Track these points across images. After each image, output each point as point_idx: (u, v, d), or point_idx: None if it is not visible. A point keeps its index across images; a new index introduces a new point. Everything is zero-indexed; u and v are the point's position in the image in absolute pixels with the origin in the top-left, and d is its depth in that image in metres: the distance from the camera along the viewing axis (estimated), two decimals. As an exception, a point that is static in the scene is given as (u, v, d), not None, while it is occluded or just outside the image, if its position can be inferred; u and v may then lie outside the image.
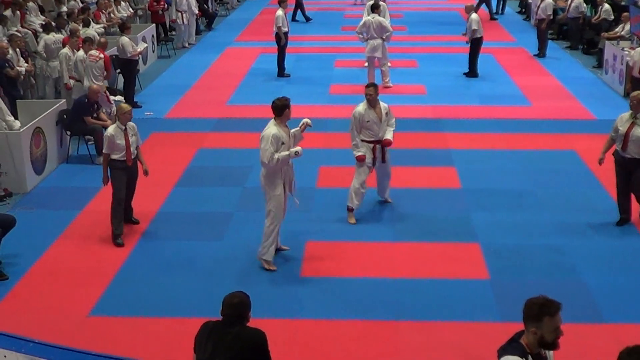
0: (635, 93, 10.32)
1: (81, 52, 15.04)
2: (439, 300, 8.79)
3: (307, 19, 27.74)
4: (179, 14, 23.19)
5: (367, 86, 10.82)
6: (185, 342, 6.61)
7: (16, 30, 16.96)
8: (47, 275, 9.49)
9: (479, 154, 13.65)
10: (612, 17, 21.78)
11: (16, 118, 12.84)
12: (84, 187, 12.30)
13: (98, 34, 18.03)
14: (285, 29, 18.91)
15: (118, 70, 17.10)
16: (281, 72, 19.46)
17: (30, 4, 19.02)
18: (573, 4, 22.51)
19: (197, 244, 10.26)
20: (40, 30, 17.23)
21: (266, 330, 5.70)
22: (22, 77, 15.05)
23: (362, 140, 10.74)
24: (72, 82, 15.26)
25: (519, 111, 16.37)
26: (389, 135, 10.79)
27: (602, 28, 21.34)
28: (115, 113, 11.27)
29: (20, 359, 7.08)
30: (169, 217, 11.13)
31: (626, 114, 10.40)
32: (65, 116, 13.57)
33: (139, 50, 17.24)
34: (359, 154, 10.70)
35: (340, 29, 26.20)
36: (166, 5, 23.54)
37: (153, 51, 21.85)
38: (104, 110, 14.21)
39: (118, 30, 18.48)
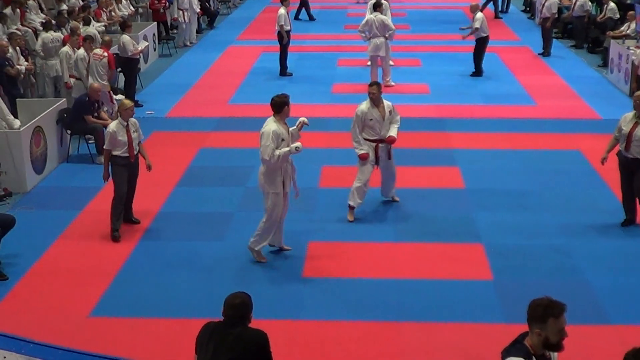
0: (638, 93, 10.30)
1: (81, 51, 15.06)
2: (442, 301, 8.78)
3: (311, 18, 27.74)
4: (181, 12, 23.20)
5: (371, 85, 10.83)
6: (187, 343, 6.62)
7: (16, 29, 16.96)
8: (47, 275, 9.49)
9: (483, 154, 13.64)
10: (618, 16, 21.76)
11: (16, 117, 12.85)
12: (85, 186, 12.31)
13: (99, 32, 18.05)
14: (288, 28, 18.92)
15: (119, 69, 17.10)
16: (283, 71, 19.46)
17: (31, 2, 19.02)
18: (578, 3, 22.51)
19: (198, 244, 10.27)
20: (41, 28, 17.24)
21: (268, 331, 5.70)
22: (22, 75, 15.04)
23: (365, 139, 10.74)
24: (72, 80, 15.26)
25: (523, 110, 16.36)
26: (393, 132, 10.79)
27: (607, 27, 21.32)
28: (116, 111, 11.28)
29: (20, 360, 7.09)
30: (170, 217, 11.13)
31: (630, 114, 10.39)
32: (65, 115, 13.58)
33: (140, 48, 17.25)
34: (362, 152, 10.71)
35: (343, 27, 26.20)
36: (167, 4, 23.55)
37: (154, 50, 21.85)
38: (105, 110, 14.22)
39: (119, 28, 18.50)
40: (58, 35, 16.43)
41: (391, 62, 18.60)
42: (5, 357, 7.28)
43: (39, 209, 11.50)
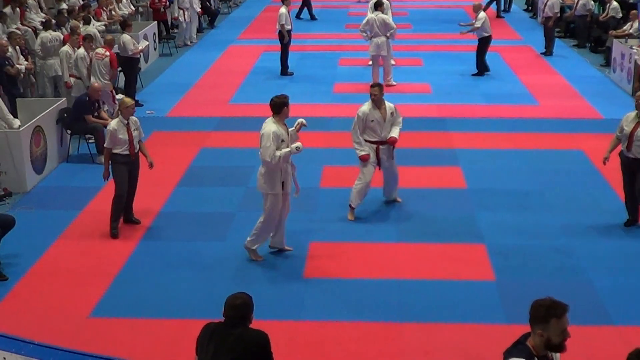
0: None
1: (81, 50, 15.07)
2: (444, 302, 8.78)
3: (313, 17, 27.74)
4: (181, 11, 23.21)
5: (372, 86, 10.83)
6: (187, 344, 6.62)
7: (16, 28, 16.96)
8: (47, 275, 9.50)
9: (485, 154, 13.64)
10: (620, 15, 21.76)
11: (16, 117, 12.86)
12: (85, 186, 12.32)
13: (99, 32, 18.06)
14: (289, 27, 18.92)
15: (119, 69, 17.10)
16: (284, 71, 19.46)
17: (31, 1, 19.01)
18: (580, 2, 22.51)
19: (199, 244, 10.27)
20: (41, 27, 17.25)
21: (269, 332, 5.71)
22: (22, 75, 15.06)
23: (366, 141, 10.75)
24: (72, 80, 15.26)
25: (525, 110, 16.36)
26: (394, 133, 10.80)
27: (610, 26, 21.31)
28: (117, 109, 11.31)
29: (20, 361, 7.10)
30: (170, 217, 11.14)
31: (632, 114, 10.38)
32: (65, 115, 13.58)
33: (140, 48, 17.25)
34: (363, 153, 10.71)
35: (344, 26, 26.20)
36: (168, 3, 23.55)
37: (154, 49, 21.86)
38: (106, 109, 14.23)
39: (119, 27, 18.50)
40: (57, 34, 16.43)
41: (393, 62, 18.60)
42: (5, 358, 7.28)
43: (38, 209, 11.51)
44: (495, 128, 15.12)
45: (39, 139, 12.66)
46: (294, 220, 10.31)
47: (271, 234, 9.87)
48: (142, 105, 16.56)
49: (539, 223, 10.79)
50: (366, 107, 10.74)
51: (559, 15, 21.83)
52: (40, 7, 19.70)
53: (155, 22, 22.60)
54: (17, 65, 14.73)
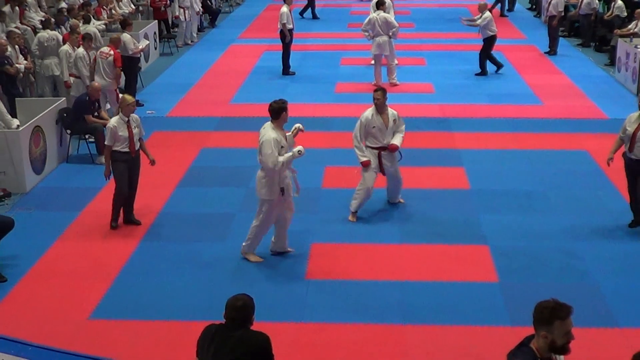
0: None
1: (81, 49, 15.07)
2: (447, 304, 8.78)
3: (315, 17, 27.76)
4: (182, 10, 23.21)
5: (376, 90, 10.82)
6: (188, 346, 6.62)
7: (15, 27, 16.97)
8: (46, 277, 9.50)
9: (488, 154, 13.64)
10: (625, 14, 21.74)
11: (15, 116, 12.86)
12: (84, 187, 12.33)
13: (99, 31, 18.07)
14: (290, 26, 18.92)
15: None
16: (286, 70, 19.47)
17: (30, 0, 19.04)
18: (585, 0, 22.52)
19: (200, 245, 10.27)
20: (40, 26, 17.26)
21: (270, 334, 5.70)
22: (21, 74, 15.07)
23: (368, 147, 10.76)
24: (72, 79, 15.27)
25: (529, 110, 16.35)
26: (396, 140, 10.80)
27: (614, 25, 21.30)
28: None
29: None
30: (171, 218, 11.14)
31: (635, 114, 10.36)
32: (65, 115, 13.59)
33: (140, 47, 17.26)
34: (364, 159, 10.72)
35: (346, 26, 26.20)
36: (168, 2, 23.55)
37: (155, 48, 21.87)
38: (108, 107, 14.23)
39: (119, 27, 18.50)
40: (54, 33, 16.41)
41: (395, 61, 18.59)
42: (4, 360, 7.29)
43: (38, 210, 11.51)
44: (499, 128, 15.11)
45: (39, 139, 12.67)
46: (296, 221, 10.29)
47: (272, 239, 9.88)
48: (143, 105, 16.56)
49: (542, 224, 10.79)
50: (369, 112, 10.74)
51: (563, 14, 21.81)
52: (40, 6, 19.72)
53: (156, 21, 22.61)
54: (17, 65, 14.75)
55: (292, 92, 17.45)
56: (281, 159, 9.16)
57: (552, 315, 4.78)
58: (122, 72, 15.72)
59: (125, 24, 17.37)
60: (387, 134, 10.76)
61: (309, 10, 27.83)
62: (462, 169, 12.89)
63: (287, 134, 9.47)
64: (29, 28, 17.68)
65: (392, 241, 10.36)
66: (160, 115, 16.24)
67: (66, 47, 15.40)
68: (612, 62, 19.97)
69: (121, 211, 10.89)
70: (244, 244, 9.79)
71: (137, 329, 8.34)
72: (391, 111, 10.84)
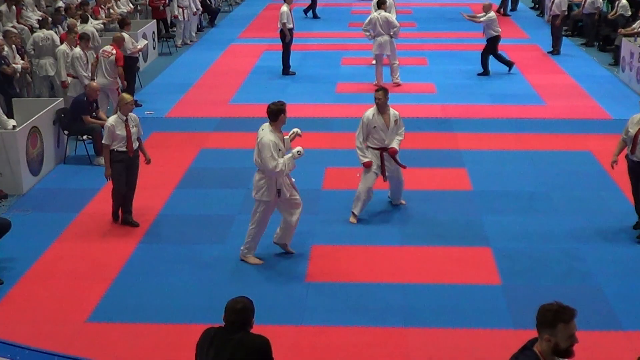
0: None
1: (78, 49, 15.06)
2: (449, 306, 8.77)
3: (315, 16, 27.78)
4: (180, 10, 23.21)
5: (377, 90, 10.82)
6: (187, 349, 6.61)
7: (12, 26, 16.97)
8: (43, 279, 9.49)
9: (491, 155, 13.63)
10: (630, 13, 21.75)
11: (12, 117, 12.86)
12: (82, 188, 12.32)
13: (97, 30, 18.07)
14: (290, 26, 18.92)
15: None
16: (286, 70, 19.47)
17: (27, -1, 19.05)
18: (589, 0, 22.50)
19: (199, 247, 10.27)
20: (37, 26, 17.26)
21: (270, 337, 5.69)
22: (18, 74, 15.07)
23: (369, 147, 10.76)
24: (69, 79, 15.28)
25: (532, 110, 16.35)
26: (395, 144, 10.80)
27: (618, 24, 21.30)
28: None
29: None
30: (170, 220, 11.14)
31: (637, 116, 10.31)
32: (62, 115, 13.58)
33: (139, 47, 17.27)
34: (366, 160, 10.72)
35: (347, 25, 26.21)
36: (167, 1, 23.56)
37: (154, 48, 21.87)
38: (108, 107, 14.25)
39: (117, 26, 18.51)
40: (49, 33, 16.39)
41: (396, 62, 18.58)
42: (0, 364, 7.29)
43: (35, 212, 11.51)
44: (502, 129, 15.11)
45: (36, 140, 12.67)
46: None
47: (278, 230, 9.90)
48: (141, 106, 16.56)
49: (546, 226, 10.78)
50: (370, 112, 10.75)
51: (566, 13, 21.83)
52: (37, 5, 19.71)
53: (154, 20, 22.62)
54: (13, 65, 14.75)
55: (292, 92, 17.46)
56: (281, 160, 9.17)
57: (555, 318, 4.78)
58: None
59: (123, 23, 17.38)
60: (389, 134, 10.76)
61: (311, 10, 27.85)
62: (464, 170, 12.88)
63: (284, 137, 9.47)
64: (26, 27, 17.68)
65: (393, 243, 10.35)
66: (159, 115, 16.24)
67: (63, 47, 15.40)
68: (616, 62, 19.97)
69: (120, 212, 10.92)
70: (242, 247, 9.79)
71: (136, 332, 8.33)
72: (393, 111, 10.84)
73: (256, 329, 5.71)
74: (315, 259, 9.91)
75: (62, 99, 14.33)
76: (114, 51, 15.30)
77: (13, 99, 14.00)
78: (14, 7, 17.92)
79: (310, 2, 27.90)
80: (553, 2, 21.59)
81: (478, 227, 10.76)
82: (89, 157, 13.55)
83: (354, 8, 29.55)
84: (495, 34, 18.87)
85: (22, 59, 15.40)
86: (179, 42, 23.42)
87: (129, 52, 16.63)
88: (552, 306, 4.84)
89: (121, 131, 10.47)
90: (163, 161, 13.15)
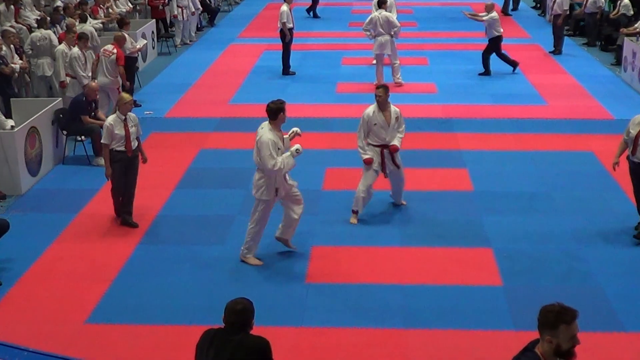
0: None
1: (76, 49, 15.03)
2: (450, 308, 8.77)
3: (315, 16, 27.78)
4: (180, 9, 23.20)
5: (377, 87, 10.85)
6: (186, 351, 6.62)
7: (10, 26, 16.98)
8: (42, 280, 9.50)
9: (492, 155, 13.63)
10: (632, 12, 21.74)
11: (10, 117, 12.86)
12: (81, 189, 12.33)
13: (96, 30, 18.07)
14: (290, 25, 18.92)
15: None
16: (286, 70, 19.47)
17: (25, -2, 19.06)
18: (590, -1, 22.53)
19: (198, 248, 10.27)
20: (35, 25, 17.26)
21: (270, 339, 5.70)
22: (16, 74, 15.07)
23: (370, 144, 10.77)
24: (68, 79, 15.27)
25: (533, 110, 16.35)
26: (396, 141, 10.81)
27: (620, 24, 21.29)
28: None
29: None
30: (169, 220, 11.14)
31: (638, 116, 10.27)
32: (61, 115, 13.58)
33: (138, 47, 17.27)
34: (366, 156, 10.73)
35: (347, 25, 26.21)
36: (167, 0, 23.55)
37: (153, 48, 21.88)
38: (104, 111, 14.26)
39: (116, 26, 18.51)
40: (47, 33, 16.37)
41: (398, 62, 18.58)
42: (-2, 365, 7.29)
43: (33, 212, 11.51)
44: (503, 129, 15.11)
45: (34, 140, 12.67)
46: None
47: (280, 226, 9.93)
48: (140, 106, 16.56)
49: (547, 226, 10.79)
50: (371, 109, 10.76)
51: (568, 12, 21.82)
52: (36, 5, 19.71)
53: (154, 20, 22.62)
54: (12, 64, 14.75)
55: (292, 92, 17.46)
56: (279, 159, 9.18)
57: (557, 319, 4.78)
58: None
59: (122, 23, 17.37)
60: (390, 131, 10.76)
61: (314, 7, 27.87)
62: (465, 170, 12.88)
63: (284, 136, 9.49)
64: (24, 27, 17.69)
65: (393, 244, 10.35)
66: (158, 115, 16.24)
67: (62, 47, 15.39)
68: (618, 62, 19.97)
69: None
70: (242, 248, 9.80)
71: (135, 333, 8.34)
72: (393, 108, 10.85)
73: (256, 330, 5.71)
74: (316, 260, 9.92)
75: (60, 99, 14.32)
76: (115, 50, 15.32)
77: (11, 99, 14.00)
78: (12, 6, 17.94)
79: (311, 1, 27.91)
80: (554, 2, 21.58)
81: (479, 228, 10.76)
82: (87, 158, 13.56)
83: (354, 7, 29.55)
84: (497, 34, 18.87)
85: (21, 58, 15.41)
86: (178, 42, 23.42)
87: (128, 52, 16.63)
88: (553, 307, 4.85)
89: (120, 131, 10.50)
90: (162, 161, 13.16)
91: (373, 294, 9.06)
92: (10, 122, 12.40)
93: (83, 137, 13.78)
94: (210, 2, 27.38)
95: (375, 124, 10.69)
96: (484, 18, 18.82)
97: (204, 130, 15.19)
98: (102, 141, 10.74)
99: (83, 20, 17.88)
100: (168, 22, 23.99)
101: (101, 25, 19.69)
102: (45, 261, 9.99)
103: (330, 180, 12.52)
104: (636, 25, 20.21)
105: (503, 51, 19.35)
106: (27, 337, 8.17)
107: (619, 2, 22.23)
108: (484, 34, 19.28)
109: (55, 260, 10.00)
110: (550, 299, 5.15)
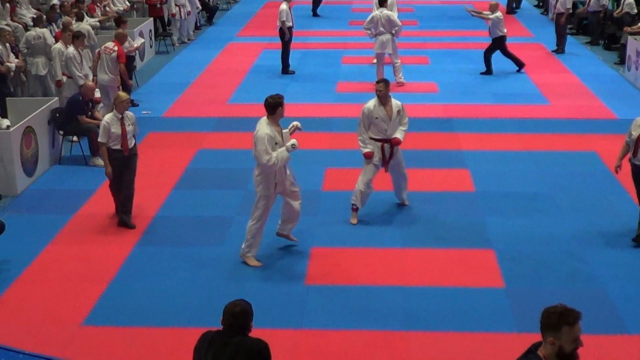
0: None
1: (71, 49, 15.00)
2: (452, 310, 8.77)
3: (315, 14, 27.79)
4: (177, 8, 23.20)
5: (378, 82, 10.88)
6: (184, 353, 6.62)
7: (6, 24, 16.97)
8: (38, 282, 9.49)
9: (494, 156, 13.63)
10: (635, 11, 21.76)
11: (5, 117, 12.86)
12: (77, 189, 12.33)
13: (93, 28, 18.07)
14: (290, 24, 18.93)
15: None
16: (285, 69, 19.48)
17: (21, -4, 19.07)
18: (594, -3, 22.54)
19: (196, 249, 10.27)
20: (31, 24, 17.26)
21: (269, 341, 5.69)
22: (12, 73, 15.07)
23: (371, 138, 10.77)
24: (64, 78, 15.27)
25: (536, 110, 16.35)
26: (399, 134, 10.81)
27: (624, 22, 21.31)
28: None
29: (10, 371, 7.08)
30: (167, 221, 11.14)
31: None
32: (57, 115, 13.58)
33: (135, 45, 17.28)
34: (367, 150, 10.73)
35: (347, 23, 26.23)
36: (164, -1, 23.57)
37: (151, 47, 21.89)
38: (98, 110, 14.25)
39: (114, 24, 18.52)
40: (41, 31, 16.36)
41: (398, 61, 18.59)
42: (-6, 368, 7.28)
43: (29, 213, 11.51)
44: (505, 129, 15.11)
45: (30, 140, 12.67)
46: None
47: (279, 222, 9.99)
48: (138, 105, 16.57)
49: (550, 227, 10.78)
50: (371, 103, 10.77)
51: (571, 11, 21.83)
52: (31, 3, 19.71)
53: (152, 18, 22.62)
54: (7, 63, 14.74)
55: (291, 91, 17.45)
56: (275, 154, 9.21)
57: (559, 321, 4.77)
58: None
59: (119, 21, 17.37)
60: (391, 125, 10.76)
61: (311, 7, 27.88)
62: (467, 171, 12.88)
63: (283, 131, 9.51)
64: (20, 26, 17.68)
65: (394, 245, 10.35)
66: (156, 115, 16.25)
67: (58, 45, 15.37)
68: (621, 61, 19.97)
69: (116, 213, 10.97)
70: (243, 245, 9.79)
71: (132, 336, 8.33)
72: (395, 102, 10.85)
73: (255, 333, 5.71)
74: (315, 261, 9.92)
75: (57, 98, 14.33)
76: (116, 48, 15.35)
77: (7, 98, 14.00)
78: (7, 4, 17.93)
79: (312, 0, 27.94)
80: (557, 0, 21.59)
81: (481, 229, 10.76)
82: (84, 158, 13.56)
83: (354, 6, 29.57)
84: (501, 34, 18.88)
85: (17, 57, 15.40)
86: (176, 41, 23.42)
87: (125, 50, 16.63)
88: (556, 308, 4.84)
89: (116, 129, 10.50)
90: (160, 162, 13.16)
91: (373, 296, 9.06)
92: (5, 122, 12.40)
93: (77, 138, 13.77)
94: (209, 0, 27.39)
95: (376, 118, 10.69)
96: (490, 17, 18.81)
97: (202, 130, 15.19)
98: (98, 140, 10.74)
99: (80, 18, 17.88)
100: (166, 20, 23.99)
101: (98, 23, 19.68)
102: (41, 263, 9.99)
103: (330, 181, 12.51)
104: (640, 23, 20.25)
105: (500, 52, 19.31)
106: (22, 340, 8.16)
107: (622, 0, 22.24)
108: (487, 33, 19.28)
109: (51, 262, 10.00)
110: (553, 301, 5.15)
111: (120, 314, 8.74)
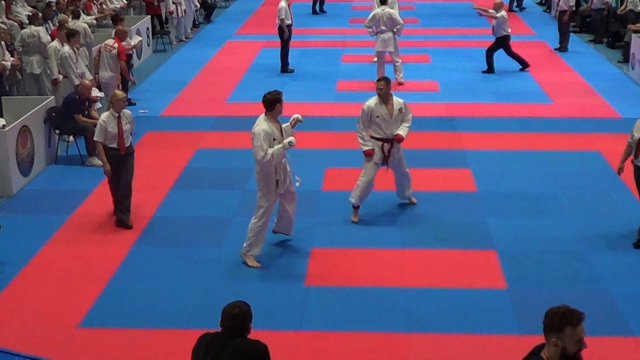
0: None
1: (67, 48, 14.98)
2: (453, 311, 8.77)
3: (315, 12, 27.79)
4: (175, 5, 23.20)
5: (379, 80, 10.87)
6: (182, 356, 6.62)
7: (1, 22, 16.97)
8: (34, 283, 9.49)
9: (496, 155, 13.64)
10: (639, 8, 21.74)
11: (1, 116, 12.86)
12: (74, 189, 12.33)
13: (89, 26, 18.07)
14: (289, 22, 18.94)
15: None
16: (284, 68, 19.48)
17: (16, -6, 19.07)
18: (597, -5, 22.54)
19: (195, 250, 10.27)
20: (27, 22, 17.26)
21: (268, 343, 5.69)
22: (7, 72, 15.06)
23: (372, 137, 10.76)
24: (60, 77, 15.27)
25: (538, 109, 16.35)
26: (401, 130, 10.79)
27: (628, 20, 21.30)
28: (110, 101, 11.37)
29: (5, 373, 7.09)
30: (164, 222, 11.14)
31: None
32: (54, 114, 13.58)
33: (132, 44, 17.27)
34: (367, 148, 10.72)
35: (348, 21, 26.23)
36: (162, -4, 23.58)
37: (148, 45, 21.88)
38: (95, 109, 14.25)
39: (110, 22, 18.52)
40: (36, 29, 16.35)
41: (399, 60, 18.60)
42: (-11, 370, 7.29)
43: (25, 213, 11.51)
44: (507, 128, 15.12)
45: (26, 140, 12.67)
46: (295, 225, 10.31)
47: (275, 222, 10.02)
48: (135, 104, 16.57)
49: (552, 228, 10.79)
50: (372, 101, 10.76)
51: (574, 8, 21.82)
52: (27, 0, 19.71)
53: (149, 16, 22.61)
54: (3, 62, 14.74)
55: (291, 90, 17.44)
56: (271, 151, 9.23)
57: (562, 321, 4.78)
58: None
59: (116, 19, 17.39)
60: (392, 124, 10.75)
61: (318, 4, 27.91)
62: (469, 171, 12.89)
63: (283, 126, 9.52)
64: (15, 23, 17.68)
65: (395, 246, 10.35)
66: (154, 114, 16.25)
67: (55, 44, 15.37)
68: (625, 59, 19.97)
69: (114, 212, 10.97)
70: (244, 244, 9.78)
71: (129, 337, 8.33)
72: (396, 100, 10.84)
73: (254, 334, 5.71)
74: (315, 262, 9.92)
75: (53, 97, 14.32)
76: (116, 45, 15.36)
77: (2, 97, 13.99)
78: (3, 2, 17.94)
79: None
80: (560, -2, 21.61)
81: (482, 230, 10.76)
82: (81, 157, 13.55)
83: (354, 4, 29.56)
84: (505, 33, 18.88)
85: (12, 55, 15.40)
86: (174, 39, 23.42)
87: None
88: (559, 309, 4.85)
89: (113, 128, 10.52)
90: (157, 161, 13.16)
91: (374, 297, 9.06)
92: (1, 121, 12.40)
93: (72, 138, 13.78)
94: (207, -2, 27.40)
95: (377, 116, 10.68)
96: (497, 15, 18.80)
97: (201, 129, 15.19)
98: (94, 138, 10.73)
99: (76, 16, 17.88)
100: (163, 18, 23.98)
101: (94, 21, 19.69)
102: (38, 264, 9.99)
103: (329, 181, 12.52)
104: (644, 21, 20.25)
105: (502, 51, 19.31)
106: (18, 342, 8.16)
107: (626, -2, 22.27)
108: (489, 31, 19.28)
109: (48, 263, 10.00)
110: (555, 302, 5.14)
111: (118, 316, 8.74)
